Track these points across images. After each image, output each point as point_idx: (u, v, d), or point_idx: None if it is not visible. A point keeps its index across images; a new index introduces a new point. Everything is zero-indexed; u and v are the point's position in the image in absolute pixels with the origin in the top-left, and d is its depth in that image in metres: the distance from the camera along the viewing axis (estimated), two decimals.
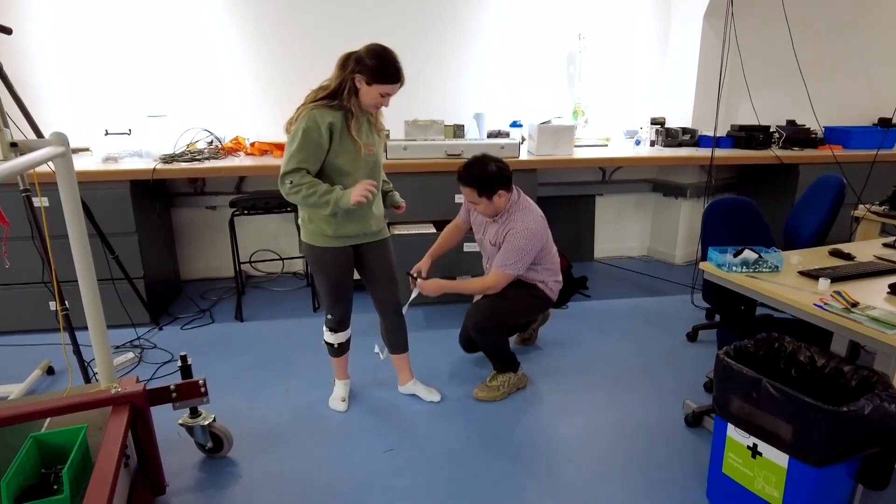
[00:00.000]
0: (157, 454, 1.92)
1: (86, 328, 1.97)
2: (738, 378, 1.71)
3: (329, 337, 2.43)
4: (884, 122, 4.42)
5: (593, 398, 2.59)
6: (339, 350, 2.47)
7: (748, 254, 2.12)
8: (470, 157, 2.42)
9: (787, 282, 2.02)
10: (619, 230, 4.68)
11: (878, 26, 4.44)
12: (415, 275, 2.54)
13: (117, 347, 3.04)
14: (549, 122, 3.65)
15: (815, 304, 1.81)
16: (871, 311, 1.74)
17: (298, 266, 4.27)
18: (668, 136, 4.14)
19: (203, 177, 3.89)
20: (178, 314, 3.51)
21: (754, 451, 1.72)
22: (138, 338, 3.17)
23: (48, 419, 1.82)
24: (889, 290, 1.91)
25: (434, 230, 3.36)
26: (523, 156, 3.63)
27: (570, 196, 4.43)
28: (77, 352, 2.45)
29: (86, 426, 1.67)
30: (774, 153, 3.86)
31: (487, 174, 2.34)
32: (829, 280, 1.97)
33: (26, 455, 1.55)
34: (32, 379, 2.64)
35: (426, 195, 3.43)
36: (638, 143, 4.15)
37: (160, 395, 1.95)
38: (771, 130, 4.10)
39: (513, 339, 3.08)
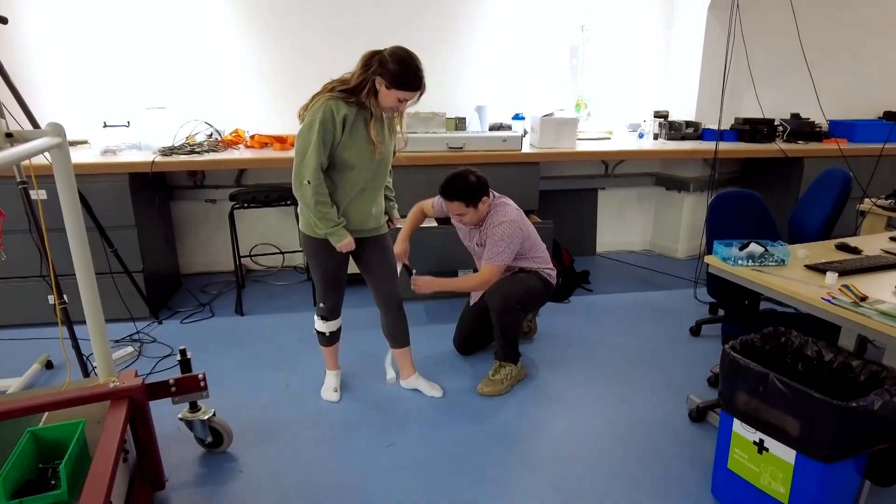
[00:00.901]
0: (156, 449, 1.90)
1: (85, 322, 1.95)
2: (745, 373, 1.69)
3: (320, 325, 2.44)
4: (889, 116, 4.38)
5: (596, 393, 2.57)
6: (330, 339, 2.48)
7: (754, 247, 2.10)
8: (448, 174, 2.49)
9: (793, 276, 1.99)
10: (622, 224, 4.65)
11: (884, 18, 4.39)
12: (412, 269, 2.55)
13: (117, 341, 3.02)
14: (551, 114, 3.62)
15: (824, 299, 1.78)
16: (880, 305, 1.71)
17: (299, 260, 4.25)
18: (672, 130, 4.11)
19: (202, 170, 3.86)
20: (177, 308, 3.49)
21: (760, 446, 1.70)
22: (138, 332, 3.15)
23: (46, 414, 1.80)
24: None
25: (434, 223, 3.33)
26: (525, 149, 3.60)
27: (572, 190, 4.40)
28: (76, 346, 2.43)
29: (84, 421, 1.65)
30: (779, 147, 3.82)
31: (470, 185, 2.45)
32: (837, 274, 1.94)
33: (23, 450, 1.53)
34: (31, 373, 2.62)
35: (427, 188, 3.39)
36: (641, 136, 4.12)
37: (159, 390, 1.93)
38: (775, 124, 4.06)
39: None
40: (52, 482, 1.54)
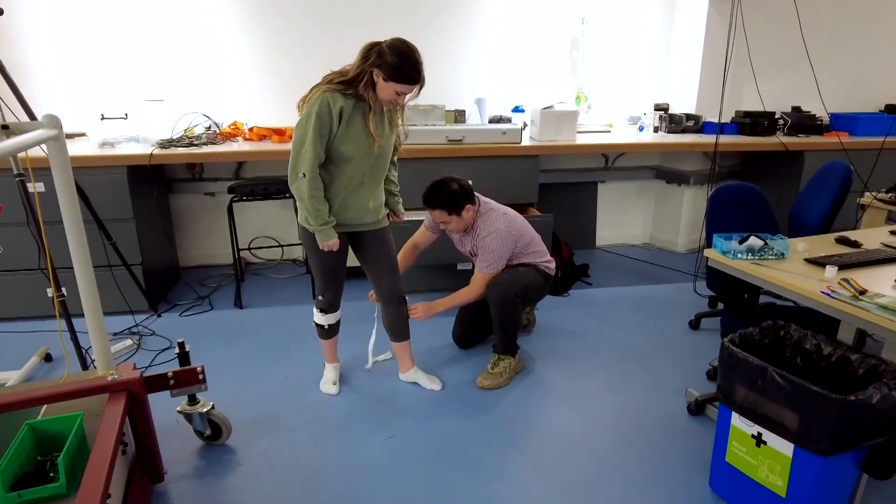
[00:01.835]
0: (155, 442, 1.90)
1: (83, 315, 1.94)
2: (744, 366, 1.69)
3: (319, 318, 2.43)
4: (890, 109, 4.35)
5: (595, 386, 2.57)
6: (329, 332, 2.48)
7: (754, 241, 2.09)
8: (431, 182, 2.50)
9: (793, 269, 1.99)
10: (622, 218, 4.64)
11: (885, 11, 4.36)
12: (405, 298, 2.50)
13: (115, 334, 3.02)
14: (551, 107, 3.61)
15: (823, 292, 1.78)
16: (879, 298, 1.71)
17: (298, 253, 4.24)
18: (672, 123, 4.09)
19: (201, 162, 3.85)
20: (176, 301, 3.49)
21: (759, 439, 1.70)
22: (136, 325, 3.14)
23: (44, 407, 1.80)
24: None
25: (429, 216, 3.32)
26: (525, 142, 3.59)
27: (572, 183, 4.39)
28: (74, 339, 2.43)
29: (82, 414, 1.65)
30: (779, 140, 3.81)
31: (452, 193, 2.45)
32: (837, 267, 1.93)
33: (21, 442, 1.53)
34: (30, 366, 2.62)
35: (426, 181, 3.37)
36: (641, 129, 4.11)
37: (158, 383, 1.93)
38: (776, 117, 4.04)
39: None
40: (51, 475, 1.54)
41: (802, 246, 2.23)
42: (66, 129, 3.52)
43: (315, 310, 2.44)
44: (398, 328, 2.49)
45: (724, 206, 2.56)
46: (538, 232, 2.78)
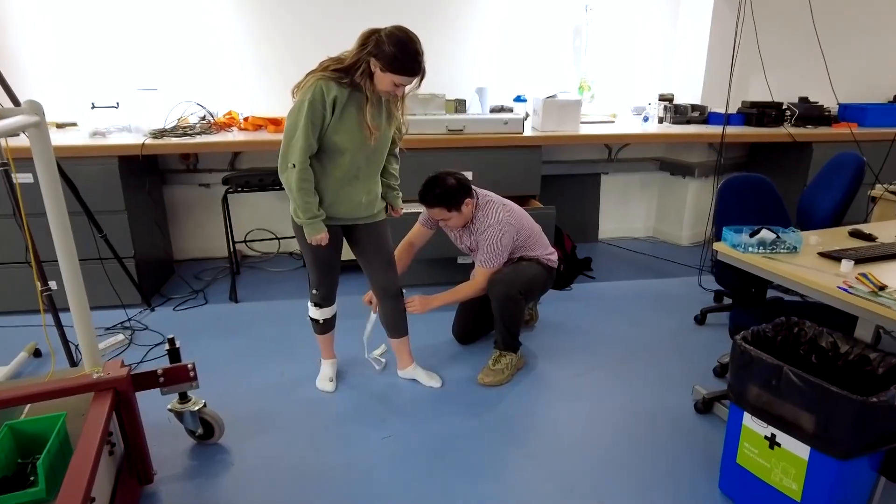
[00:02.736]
0: (143, 441, 1.83)
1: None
2: (757, 365, 1.61)
3: (314, 312, 2.36)
4: None
5: (598, 382, 2.50)
6: (325, 327, 2.41)
7: (766, 234, 2.01)
8: (426, 178, 2.41)
9: (806, 263, 1.91)
10: (625, 210, 4.56)
11: None
12: (401, 290, 2.42)
13: (107, 329, 2.95)
14: (554, 96, 3.52)
15: (840, 287, 1.70)
16: None
17: (294, 246, 4.16)
18: (677, 113, 4.00)
19: (195, 153, 3.76)
20: (170, 295, 3.41)
21: (772, 441, 1.63)
22: (129, 319, 3.07)
23: (27, 406, 1.73)
24: None
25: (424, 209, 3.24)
26: (527, 132, 3.50)
27: (574, 175, 4.30)
28: (62, 334, 2.36)
29: (65, 413, 1.58)
30: (787, 131, 3.72)
31: (449, 189, 2.37)
32: (853, 262, 1.86)
33: (0, 445, 1.46)
34: (18, 361, 2.55)
35: (425, 172, 3.29)
36: (646, 119, 4.02)
37: (147, 380, 1.86)
38: (783, 107, 3.95)
39: None
40: (31, 478, 1.47)
41: (815, 239, 2.15)
42: (57, 119, 3.47)
43: (309, 304, 2.36)
44: (396, 324, 2.42)
45: (732, 198, 2.48)
46: (540, 224, 2.70)
